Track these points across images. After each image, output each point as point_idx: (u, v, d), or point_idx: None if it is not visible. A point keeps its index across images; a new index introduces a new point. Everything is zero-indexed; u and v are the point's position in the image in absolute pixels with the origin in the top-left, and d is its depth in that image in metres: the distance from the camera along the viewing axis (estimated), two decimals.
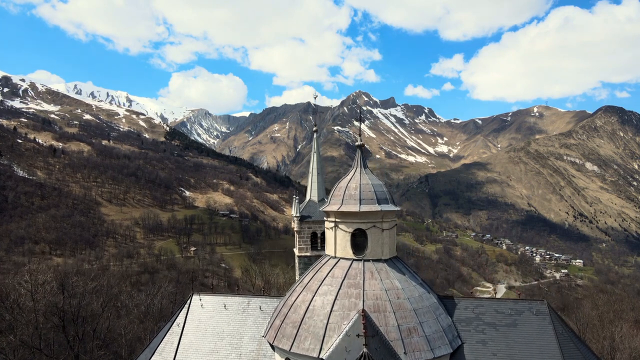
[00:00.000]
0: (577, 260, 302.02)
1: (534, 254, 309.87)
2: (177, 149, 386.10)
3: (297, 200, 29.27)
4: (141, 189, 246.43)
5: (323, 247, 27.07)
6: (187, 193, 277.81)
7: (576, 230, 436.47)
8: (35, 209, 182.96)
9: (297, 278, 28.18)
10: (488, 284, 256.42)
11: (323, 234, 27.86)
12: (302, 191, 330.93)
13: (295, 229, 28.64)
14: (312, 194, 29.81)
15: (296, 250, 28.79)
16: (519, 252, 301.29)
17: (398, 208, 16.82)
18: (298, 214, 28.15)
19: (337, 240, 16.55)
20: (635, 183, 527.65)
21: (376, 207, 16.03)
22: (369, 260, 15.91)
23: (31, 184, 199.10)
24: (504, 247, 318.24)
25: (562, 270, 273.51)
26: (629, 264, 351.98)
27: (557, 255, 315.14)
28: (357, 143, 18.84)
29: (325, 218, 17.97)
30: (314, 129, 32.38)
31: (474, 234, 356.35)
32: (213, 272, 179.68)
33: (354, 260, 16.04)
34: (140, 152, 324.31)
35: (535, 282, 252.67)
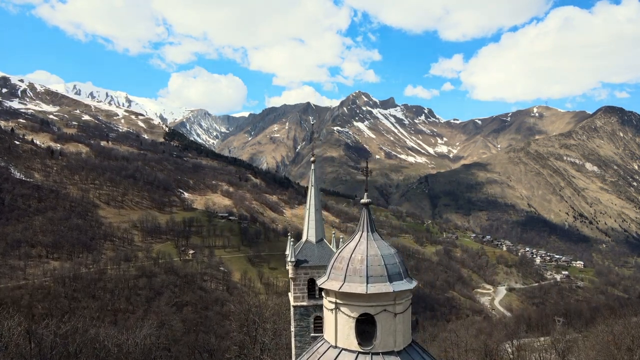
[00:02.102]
0: (578, 262, 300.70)
1: (535, 255, 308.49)
2: (176, 150, 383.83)
3: (292, 242, 25.78)
4: (139, 191, 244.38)
5: (322, 296, 25.07)
6: (186, 195, 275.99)
7: (576, 231, 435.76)
8: (32, 212, 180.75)
9: (292, 329, 25.30)
10: (488, 286, 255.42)
11: None
12: (301, 192, 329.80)
13: (290, 276, 25.51)
14: (309, 233, 26.09)
15: (291, 299, 25.62)
16: (519, 254, 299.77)
17: (414, 284, 13.80)
18: (293, 259, 24.94)
19: (339, 327, 13.59)
20: (635, 184, 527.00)
21: (387, 288, 13.12)
22: (378, 354, 12.99)
23: (28, 186, 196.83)
24: (504, 248, 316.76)
25: (563, 272, 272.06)
26: (629, 264, 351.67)
27: (557, 256, 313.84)
28: (362, 200, 15.19)
29: (324, 296, 14.83)
30: (312, 159, 28.15)
31: (474, 235, 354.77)
32: (211, 276, 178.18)
33: (359, 353, 13.05)
34: (139, 153, 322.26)
35: (536, 284, 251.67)
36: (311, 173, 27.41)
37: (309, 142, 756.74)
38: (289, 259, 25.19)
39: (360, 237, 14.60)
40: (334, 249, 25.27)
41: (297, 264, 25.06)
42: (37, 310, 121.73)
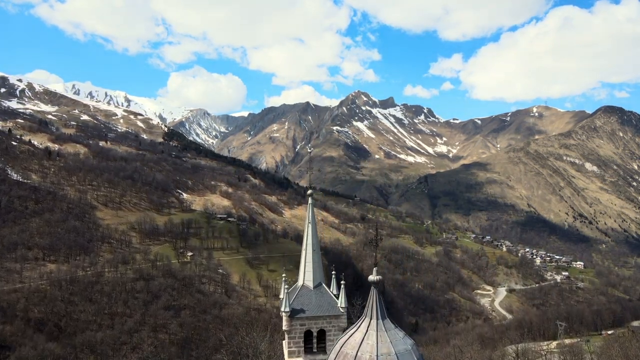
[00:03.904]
0: (578, 263, 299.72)
1: (535, 256, 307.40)
2: (175, 150, 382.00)
3: (286, 289, 22.45)
4: (138, 192, 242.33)
5: (320, 349, 21.25)
6: (185, 195, 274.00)
7: (576, 231, 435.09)
8: (29, 214, 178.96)
9: None
10: (488, 287, 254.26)
11: (320, 332, 21.86)
12: (300, 193, 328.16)
13: (284, 328, 22.08)
14: (305, 277, 22.83)
15: (285, 354, 22.11)
16: (519, 254, 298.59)
17: None
18: (287, 309, 21.56)
19: None
20: (635, 184, 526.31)
21: None
22: None
23: (25, 188, 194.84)
24: (504, 249, 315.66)
25: (563, 273, 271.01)
26: (629, 265, 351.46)
27: (557, 257, 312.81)
28: (370, 277, 12.36)
29: None
30: (309, 192, 24.54)
31: (473, 235, 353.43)
32: (210, 278, 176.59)
33: None
34: (137, 154, 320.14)
35: (537, 285, 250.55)
36: (308, 209, 23.65)
37: (308, 142, 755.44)
38: (282, 308, 22.02)
39: (368, 326, 11.57)
40: (334, 294, 22.94)
41: (292, 314, 21.72)
42: (33, 314, 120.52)
